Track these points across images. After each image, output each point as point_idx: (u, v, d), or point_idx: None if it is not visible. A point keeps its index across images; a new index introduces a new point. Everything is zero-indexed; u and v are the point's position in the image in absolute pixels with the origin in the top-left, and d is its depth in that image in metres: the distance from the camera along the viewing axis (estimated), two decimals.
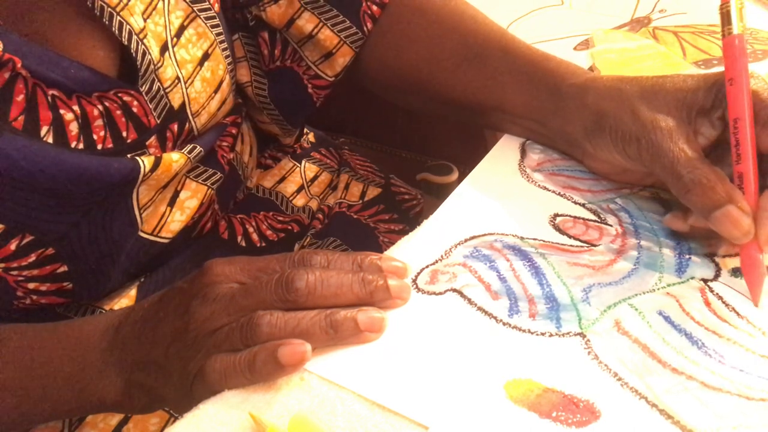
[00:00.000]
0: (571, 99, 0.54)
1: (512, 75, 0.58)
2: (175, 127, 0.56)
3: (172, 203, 0.58)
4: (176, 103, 0.55)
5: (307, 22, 0.64)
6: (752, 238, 0.44)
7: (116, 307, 0.58)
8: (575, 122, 0.53)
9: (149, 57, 0.52)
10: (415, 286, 0.45)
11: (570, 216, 0.51)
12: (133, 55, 0.52)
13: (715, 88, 0.47)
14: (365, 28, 0.64)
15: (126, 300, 0.59)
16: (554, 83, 0.55)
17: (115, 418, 0.56)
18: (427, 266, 0.47)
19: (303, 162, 0.77)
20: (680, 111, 0.48)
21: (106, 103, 0.51)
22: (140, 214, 0.55)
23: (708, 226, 0.45)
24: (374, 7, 0.64)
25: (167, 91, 0.54)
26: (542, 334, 0.42)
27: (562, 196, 0.53)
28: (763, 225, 0.44)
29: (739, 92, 0.45)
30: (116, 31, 0.51)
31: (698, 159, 0.46)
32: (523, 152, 0.58)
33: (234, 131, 0.65)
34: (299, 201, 0.74)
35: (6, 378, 0.47)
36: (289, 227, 0.71)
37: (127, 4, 0.51)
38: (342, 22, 0.64)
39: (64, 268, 0.53)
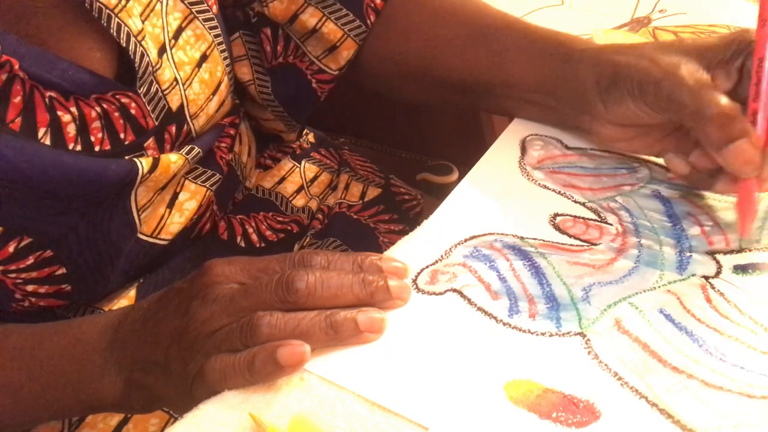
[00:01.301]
0: (584, 61, 0.54)
1: (522, 50, 0.58)
2: (173, 128, 0.56)
3: (170, 205, 0.58)
4: (174, 104, 0.55)
5: (310, 17, 0.64)
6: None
7: (115, 308, 0.58)
8: (588, 79, 0.53)
9: (147, 59, 0.52)
10: (415, 286, 0.45)
11: (570, 215, 0.51)
12: (132, 56, 0.51)
13: (734, 44, 0.49)
14: (368, 21, 0.64)
15: (125, 301, 0.59)
16: (565, 52, 0.56)
17: (115, 418, 0.56)
18: (427, 266, 0.47)
19: (303, 162, 0.77)
20: (699, 60, 0.49)
21: (104, 105, 0.51)
22: (139, 216, 0.55)
23: (709, 165, 0.47)
24: (377, 0, 0.64)
25: (165, 92, 0.54)
26: (542, 334, 0.42)
27: (562, 194, 0.53)
28: None
29: None
30: (114, 33, 0.50)
31: (718, 95, 0.47)
32: (524, 149, 0.57)
33: (232, 132, 0.65)
34: (299, 201, 0.74)
35: (5, 378, 0.47)
36: (289, 228, 0.71)
37: (125, 6, 0.51)
38: (345, 15, 0.64)
39: (62, 270, 0.53)
